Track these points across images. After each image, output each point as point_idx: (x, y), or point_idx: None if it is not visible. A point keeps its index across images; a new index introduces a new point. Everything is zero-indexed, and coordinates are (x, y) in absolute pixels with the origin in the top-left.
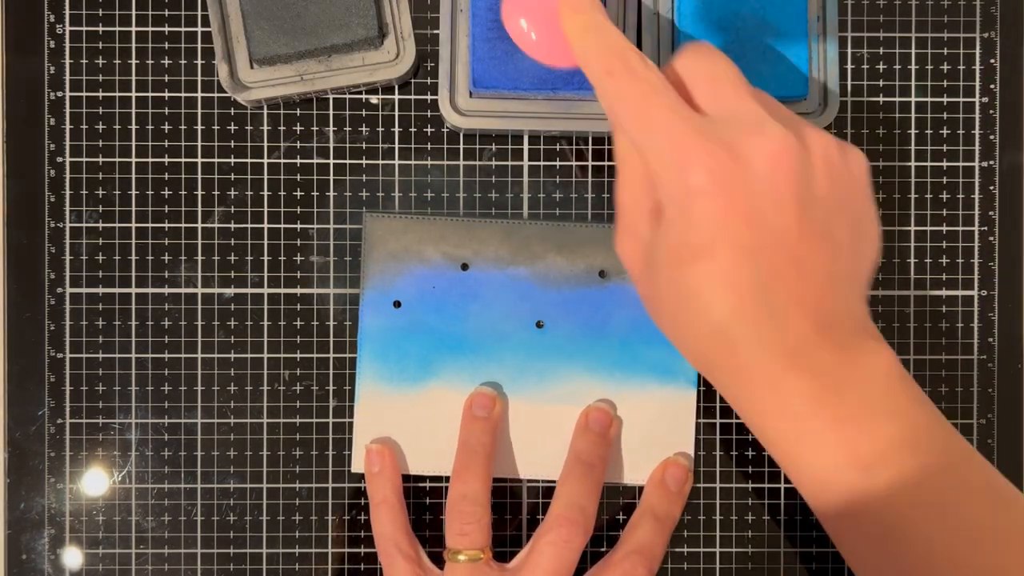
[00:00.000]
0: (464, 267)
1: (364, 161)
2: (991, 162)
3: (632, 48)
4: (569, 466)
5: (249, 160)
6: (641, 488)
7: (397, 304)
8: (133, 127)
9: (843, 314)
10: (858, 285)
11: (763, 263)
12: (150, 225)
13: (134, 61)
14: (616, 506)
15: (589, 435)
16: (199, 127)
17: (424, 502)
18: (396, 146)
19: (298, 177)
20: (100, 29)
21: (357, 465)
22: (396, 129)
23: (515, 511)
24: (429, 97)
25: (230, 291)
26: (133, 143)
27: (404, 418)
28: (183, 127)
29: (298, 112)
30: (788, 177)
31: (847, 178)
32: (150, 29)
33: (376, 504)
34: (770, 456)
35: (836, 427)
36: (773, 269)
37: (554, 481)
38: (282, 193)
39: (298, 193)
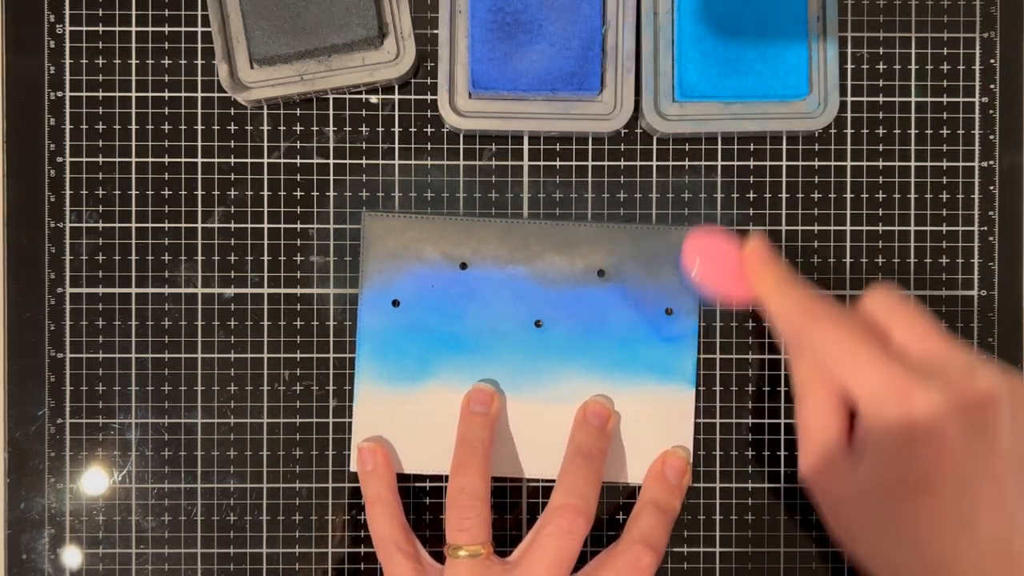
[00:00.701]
0: (463, 266)
1: (364, 161)
2: (991, 162)
3: (812, 292)
4: (568, 458)
5: (249, 160)
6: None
7: (396, 303)
8: (133, 127)
9: None
10: None
11: (998, 502)
12: (150, 225)
13: (134, 61)
14: (615, 505)
15: (587, 427)
16: (199, 127)
17: (424, 501)
18: (396, 146)
19: (298, 177)
20: (100, 29)
21: (355, 464)
22: (396, 129)
23: (514, 510)
24: (429, 97)
25: (230, 291)
26: (133, 143)
27: (403, 417)
28: (183, 127)
29: (298, 112)
30: (1008, 423)
31: None
32: (150, 29)
33: (371, 502)
34: (770, 456)
35: None
36: (997, 511)
37: (553, 480)
38: (282, 193)
39: (298, 193)
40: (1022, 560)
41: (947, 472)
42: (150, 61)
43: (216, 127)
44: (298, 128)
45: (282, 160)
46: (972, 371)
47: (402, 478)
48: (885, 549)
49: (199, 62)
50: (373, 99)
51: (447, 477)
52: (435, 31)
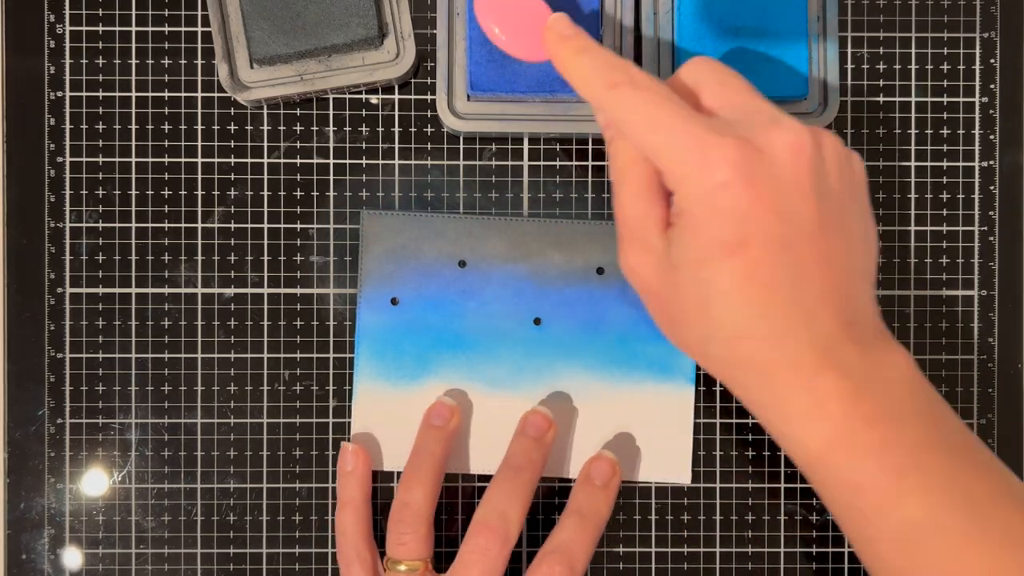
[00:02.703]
0: (462, 264)
1: (364, 161)
2: (991, 162)
3: (630, 62)
4: (499, 470)
5: (249, 160)
6: (643, 485)
7: (395, 301)
8: (133, 127)
9: (863, 312)
10: (870, 282)
11: (793, 256)
12: (150, 225)
13: (134, 61)
14: (616, 505)
15: (523, 439)
16: (199, 127)
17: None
18: (396, 146)
19: (298, 177)
20: (100, 29)
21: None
22: (396, 129)
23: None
24: (429, 97)
25: (230, 291)
26: (133, 143)
27: (401, 415)
28: (183, 127)
29: (298, 112)
30: (808, 168)
31: (852, 175)
32: (150, 29)
33: (343, 504)
34: (770, 456)
35: (868, 430)
36: (802, 262)
37: (554, 479)
38: (282, 193)
39: (298, 193)
40: (853, 324)
41: (752, 228)
42: (150, 61)
43: (216, 127)
44: (298, 128)
45: (282, 160)
46: (776, 121)
47: (388, 479)
48: (705, 323)
49: (199, 62)
50: (373, 99)
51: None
52: (435, 31)
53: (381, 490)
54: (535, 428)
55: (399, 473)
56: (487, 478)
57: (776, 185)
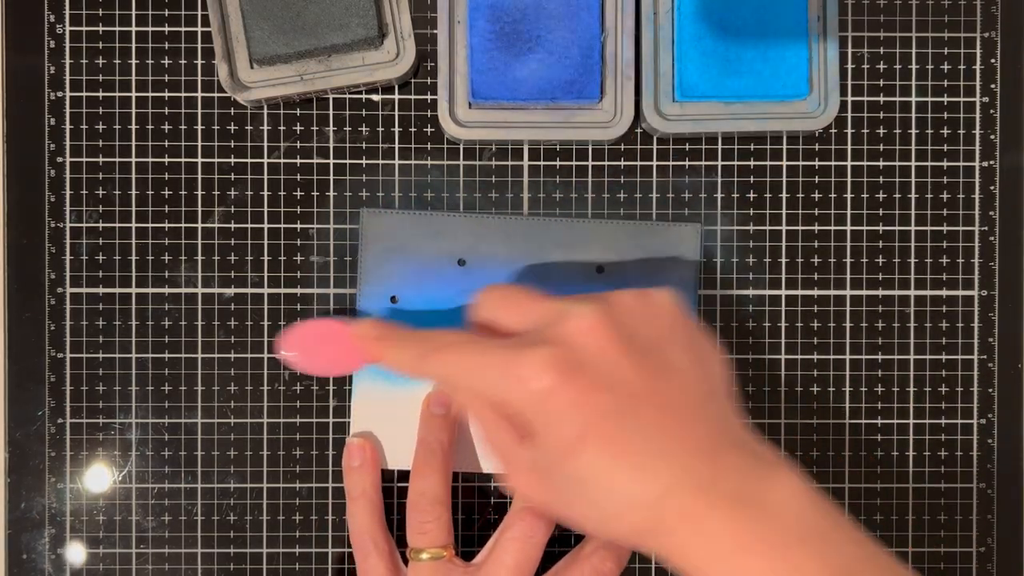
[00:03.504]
0: (461, 263)
1: (364, 161)
2: (991, 162)
3: (433, 332)
4: None
5: (249, 160)
6: None
7: (394, 300)
8: (133, 127)
9: (730, 434)
10: (723, 405)
11: (634, 419)
12: (150, 225)
13: (134, 61)
14: None
15: None
16: (199, 127)
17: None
18: (396, 146)
19: (298, 177)
20: (100, 29)
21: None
22: (396, 129)
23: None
24: (429, 97)
25: (230, 291)
26: (133, 143)
27: (400, 414)
28: (183, 127)
29: (298, 112)
30: (608, 338)
31: (657, 315)
32: (150, 29)
33: (354, 498)
34: None
35: (764, 558)
36: (645, 419)
37: None
38: (282, 193)
39: (298, 193)
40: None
41: (587, 413)
42: (150, 61)
43: (216, 127)
44: (298, 128)
45: (282, 160)
46: (565, 314)
47: (390, 478)
48: (593, 509)
49: (199, 62)
50: (374, 97)
51: None
52: (435, 31)
53: (382, 489)
54: None
55: (398, 472)
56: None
57: (589, 365)
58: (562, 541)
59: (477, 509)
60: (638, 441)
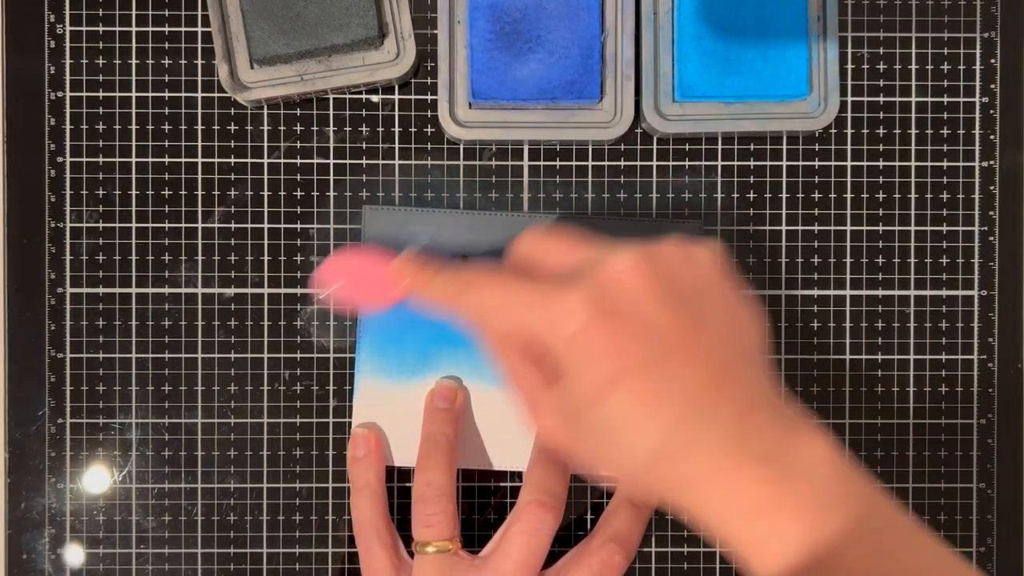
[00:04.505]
0: (463, 259)
1: (364, 161)
2: (991, 162)
3: (461, 267)
4: (536, 451)
5: (249, 160)
6: None
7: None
8: (133, 127)
9: (760, 394)
10: (756, 366)
11: (667, 367)
12: (150, 225)
13: (134, 61)
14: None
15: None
16: (199, 127)
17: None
18: (396, 146)
19: (298, 177)
20: (100, 29)
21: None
22: (396, 129)
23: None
24: (429, 97)
25: (230, 291)
26: (133, 143)
27: (402, 410)
28: (183, 127)
29: (298, 112)
30: (648, 284)
31: (699, 269)
32: (150, 29)
33: (358, 489)
34: None
35: (795, 520)
36: (678, 369)
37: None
38: (282, 193)
39: (298, 193)
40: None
41: (621, 357)
42: (150, 61)
43: (216, 127)
44: (298, 128)
45: (282, 160)
46: (606, 257)
47: (390, 477)
48: (616, 455)
49: (199, 62)
50: (374, 98)
51: None
52: (435, 31)
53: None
54: None
55: (399, 469)
56: (486, 474)
57: (626, 310)
58: (564, 541)
59: (478, 509)
60: (669, 391)
